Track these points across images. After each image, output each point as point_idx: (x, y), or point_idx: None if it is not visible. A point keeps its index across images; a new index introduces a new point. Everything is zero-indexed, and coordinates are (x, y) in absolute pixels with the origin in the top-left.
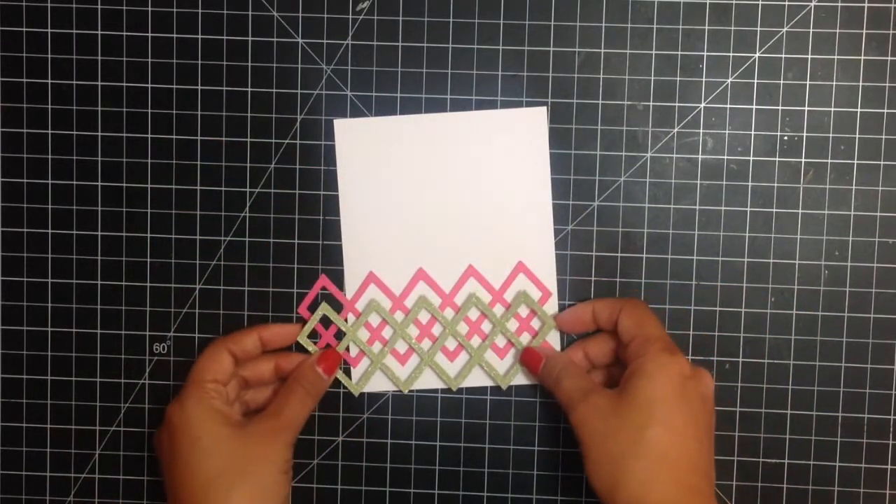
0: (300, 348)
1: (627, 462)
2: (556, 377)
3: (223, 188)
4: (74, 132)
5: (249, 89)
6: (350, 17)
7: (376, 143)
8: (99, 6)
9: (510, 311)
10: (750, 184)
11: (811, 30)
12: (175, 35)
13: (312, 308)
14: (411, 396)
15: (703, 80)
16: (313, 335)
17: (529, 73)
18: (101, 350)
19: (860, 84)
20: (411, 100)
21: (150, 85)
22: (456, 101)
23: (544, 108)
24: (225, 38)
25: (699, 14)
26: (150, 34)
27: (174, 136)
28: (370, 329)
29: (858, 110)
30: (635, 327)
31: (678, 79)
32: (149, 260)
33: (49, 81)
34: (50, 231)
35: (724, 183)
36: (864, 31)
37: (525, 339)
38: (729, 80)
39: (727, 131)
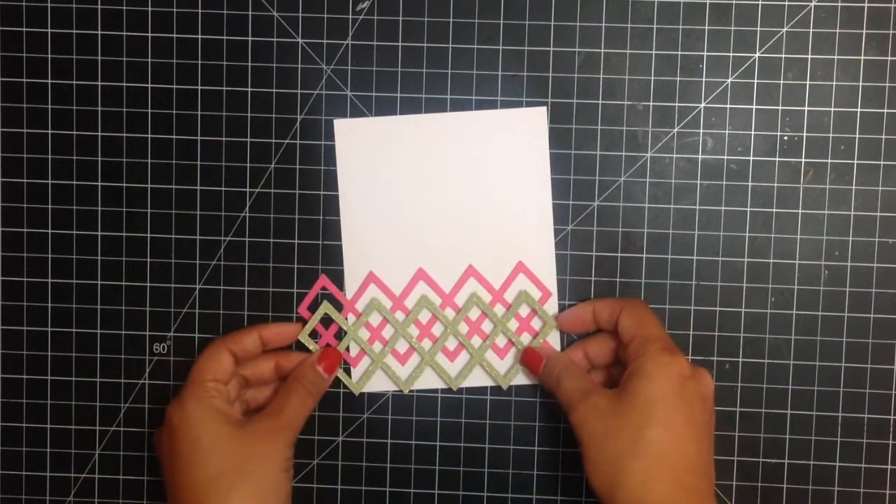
0: (301, 347)
1: (627, 462)
2: (556, 377)
3: (223, 188)
4: (74, 132)
5: (249, 89)
6: (350, 17)
7: (376, 143)
8: (99, 6)
9: (511, 311)
10: (750, 184)
11: (811, 30)
12: (175, 35)
13: (312, 308)
14: (411, 396)
15: (703, 80)
16: (313, 335)
17: (529, 73)
18: (101, 350)
19: (860, 84)
20: (411, 100)
21: (150, 85)
22: (456, 101)
23: (544, 108)
24: (225, 38)
25: (699, 14)
26: (150, 34)
27: (174, 136)
28: (370, 329)
29: (858, 110)
30: (635, 327)
31: (678, 79)
32: (149, 260)
33: (49, 81)
34: (50, 231)
35: (724, 183)
36: (864, 31)
37: (525, 339)
38: (729, 80)
39: (727, 131)
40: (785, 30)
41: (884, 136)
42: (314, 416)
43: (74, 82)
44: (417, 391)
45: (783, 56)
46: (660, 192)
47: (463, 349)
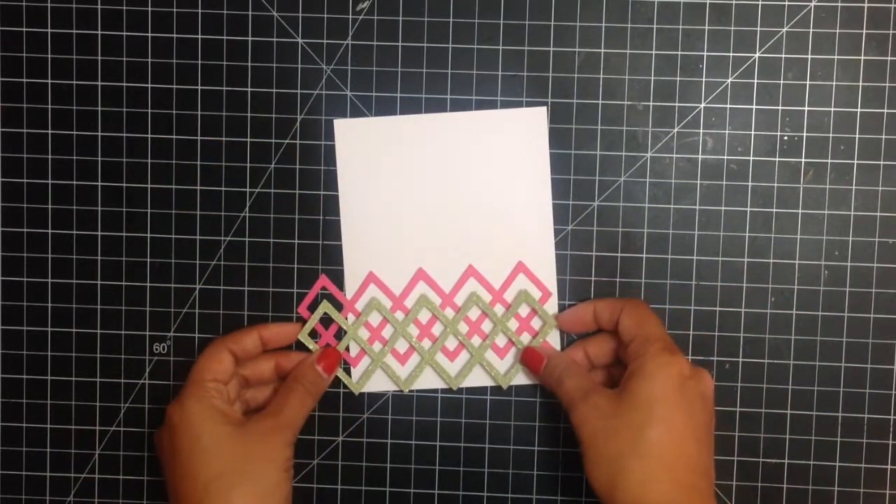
0: (301, 347)
1: (627, 462)
2: (557, 377)
3: (223, 188)
4: (74, 132)
5: (249, 89)
6: (350, 17)
7: (376, 143)
8: (99, 6)
9: (511, 311)
10: (750, 184)
11: (811, 30)
12: (175, 35)
13: (312, 308)
14: (411, 396)
15: (703, 80)
16: (313, 335)
17: (529, 73)
18: (101, 350)
19: (860, 84)
20: (411, 100)
21: (150, 85)
22: (456, 101)
23: (544, 108)
24: (225, 38)
25: (699, 14)
26: (149, 34)
27: (174, 136)
28: (370, 329)
29: (858, 110)
30: (636, 327)
31: (678, 79)
32: (149, 260)
33: (49, 81)
34: (50, 231)
35: (724, 183)
36: (864, 31)
37: (525, 338)
38: (729, 80)
39: (727, 131)
40: (785, 30)
41: (884, 136)
42: (314, 416)
43: (74, 82)
44: (417, 391)
45: (783, 56)
46: (660, 192)
47: (463, 349)
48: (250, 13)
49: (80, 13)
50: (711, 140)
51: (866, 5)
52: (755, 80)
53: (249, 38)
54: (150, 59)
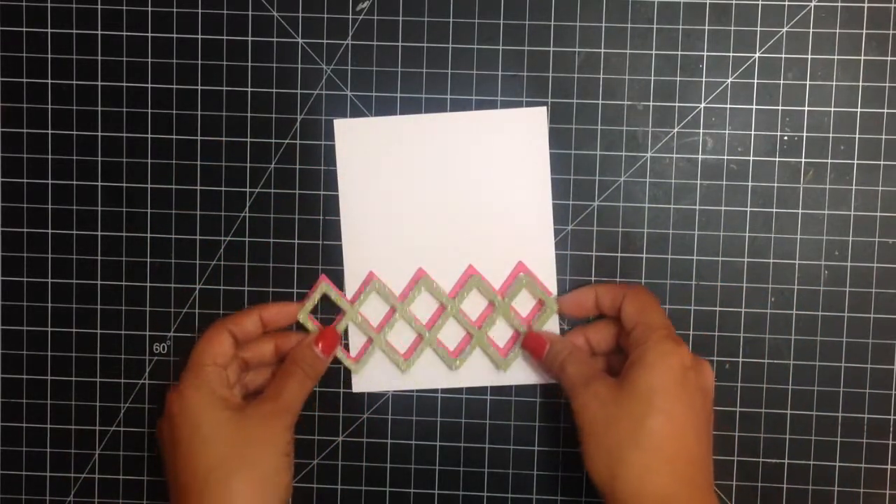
0: (302, 329)
1: (625, 453)
2: (560, 363)
3: (223, 188)
4: (74, 132)
5: (249, 89)
6: (350, 17)
7: (376, 143)
8: (99, 6)
9: (511, 294)
10: (750, 184)
11: (811, 30)
12: (175, 35)
13: (313, 309)
14: (411, 396)
15: (703, 80)
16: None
17: (529, 73)
18: (101, 350)
19: (860, 84)
20: (411, 100)
21: (150, 85)
22: (456, 101)
23: (544, 108)
24: (225, 38)
25: (699, 14)
26: (149, 34)
27: (174, 136)
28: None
29: (858, 110)
30: (638, 314)
31: (678, 79)
32: (149, 260)
33: (49, 81)
34: (50, 231)
35: (724, 183)
36: (864, 31)
37: (527, 320)
38: (729, 80)
39: (727, 131)
40: (785, 30)
41: (884, 136)
42: (314, 417)
43: (74, 82)
44: (417, 391)
45: (783, 56)
46: (660, 192)
47: (463, 332)
48: (250, 13)
49: (80, 13)
50: (711, 140)
51: (866, 5)
52: (755, 80)
53: (249, 38)
54: (150, 59)
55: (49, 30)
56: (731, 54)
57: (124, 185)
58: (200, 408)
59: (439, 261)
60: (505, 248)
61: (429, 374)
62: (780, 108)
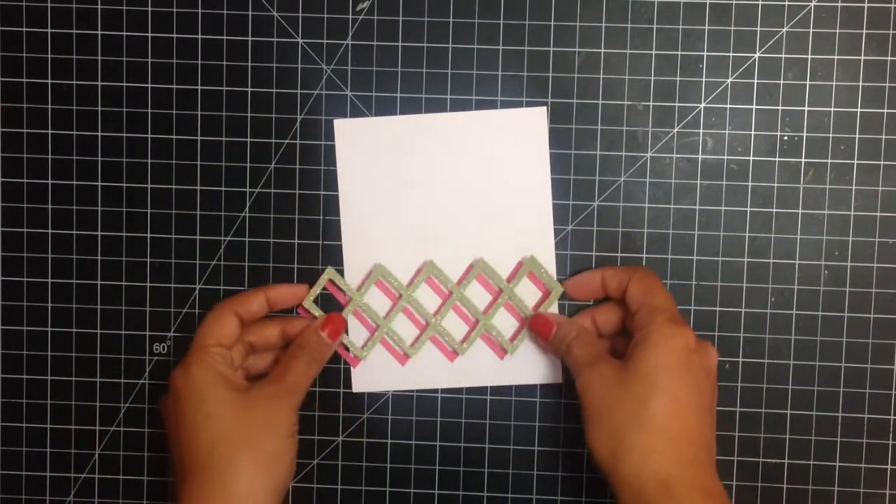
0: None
1: (629, 434)
2: (567, 345)
3: (223, 188)
4: (74, 132)
5: (249, 89)
6: (350, 17)
7: (376, 143)
8: (99, 6)
9: (517, 278)
10: (750, 184)
11: (811, 30)
12: (175, 35)
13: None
14: (411, 396)
15: (703, 80)
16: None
17: (529, 73)
18: (101, 350)
19: (860, 84)
20: (411, 100)
21: (150, 85)
22: (456, 101)
23: (544, 108)
24: (225, 38)
25: (699, 14)
26: (149, 34)
27: (174, 136)
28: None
29: (858, 110)
30: (643, 296)
31: (678, 79)
32: (149, 260)
33: (49, 81)
34: (50, 231)
35: (724, 183)
36: (864, 31)
37: (532, 305)
38: (729, 80)
39: (727, 131)
40: (785, 30)
41: (884, 136)
42: (314, 417)
43: (74, 82)
44: (417, 391)
45: (783, 56)
46: (660, 192)
47: (468, 317)
48: (250, 13)
49: (80, 13)
50: (711, 140)
51: (866, 5)
52: (755, 80)
53: (249, 38)
54: (150, 59)
55: (49, 30)
56: (731, 54)
57: (124, 185)
58: (205, 384)
59: (439, 260)
60: (505, 248)
61: (429, 373)
62: (780, 108)
